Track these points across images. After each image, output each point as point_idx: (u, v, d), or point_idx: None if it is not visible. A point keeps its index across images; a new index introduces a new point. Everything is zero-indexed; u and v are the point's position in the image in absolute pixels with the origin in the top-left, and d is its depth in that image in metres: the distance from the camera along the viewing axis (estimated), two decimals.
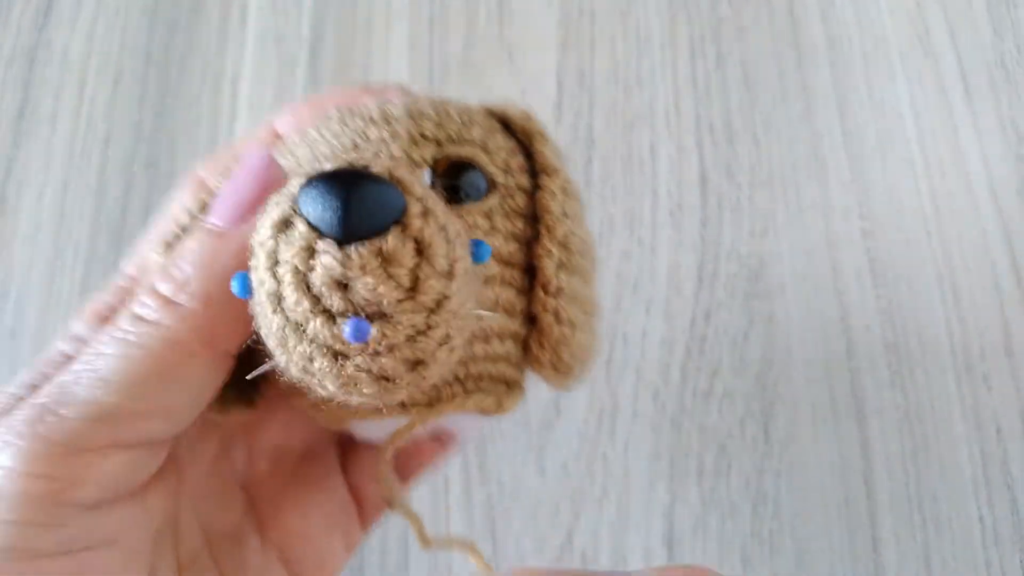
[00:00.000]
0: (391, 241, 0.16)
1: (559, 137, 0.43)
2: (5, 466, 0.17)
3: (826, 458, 0.36)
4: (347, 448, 0.27)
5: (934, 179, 0.40)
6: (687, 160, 0.42)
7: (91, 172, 0.44)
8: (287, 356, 0.17)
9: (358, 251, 0.16)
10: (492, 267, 0.21)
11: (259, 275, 0.17)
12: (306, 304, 0.17)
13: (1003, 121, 0.41)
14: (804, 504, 0.35)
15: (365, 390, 0.17)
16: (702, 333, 0.38)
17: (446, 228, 0.17)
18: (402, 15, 0.46)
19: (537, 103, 0.43)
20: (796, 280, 0.39)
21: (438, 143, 0.21)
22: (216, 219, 0.19)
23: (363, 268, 0.16)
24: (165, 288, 0.19)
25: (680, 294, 0.39)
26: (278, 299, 0.17)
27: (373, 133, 0.21)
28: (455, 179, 0.21)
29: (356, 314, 0.16)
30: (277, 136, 0.24)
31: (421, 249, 0.17)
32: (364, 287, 0.16)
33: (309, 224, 0.16)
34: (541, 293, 0.22)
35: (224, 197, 0.20)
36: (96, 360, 0.19)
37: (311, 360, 0.17)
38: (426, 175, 0.21)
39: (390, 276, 0.16)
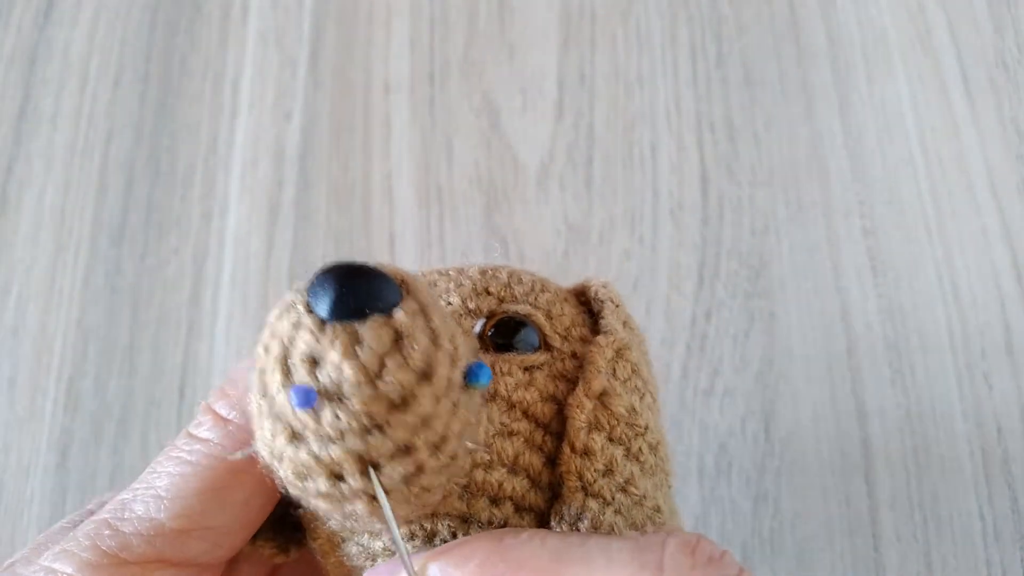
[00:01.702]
0: (368, 324, 0.16)
1: (559, 137, 0.43)
2: (65, 572, 0.19)
3: (826, 457, 0.36)
4: None
5: (935, 178, 0.40)
6: (688, 159, 0.42)
7: (92, 171, 0.44)
8: (260, 437, 0.17)
9: (332, 326, 0.16)
10: (521, 424, 0.19)
11: (258, 350, 0.17)
12: (278, 378, 0.16)
13: (1004, 120, 0.41)
14: (804, 503, 0.35)
15: (320, 486, 0.16)
16: (703, 332, 0.38)
17: (437, 332, 0.16)
18: (403, 14, 0.46)
19: (538, 102, 0.43)
20: (797, 279, 0.39)
21: (500, 300, 0.21)
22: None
23: (331, 343, 0.16)
24: (219, 406, 0.20)
25: (681, 293, 0.39)
26: (262, 374, 0.16)
27: (442, 284, 0.21)
28: (508, 339, 0.20)
29: (317, 391, 0.16)
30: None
31: (399, 340, 0.16)
32: (330, 363, 0.16)
33: (306, 305, 0.16)
34: (567, 450, 0.19)
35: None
36: (153, 477, 0.20)
37: (273, 437, 0.16)
38: (477, 324, 0.20)
39: (355, 355, 0.15)
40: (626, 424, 0.19)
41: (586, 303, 0.22)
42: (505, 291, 0.21)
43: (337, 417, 0.16)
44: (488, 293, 0.21)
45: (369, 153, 0.43)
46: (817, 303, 0.38)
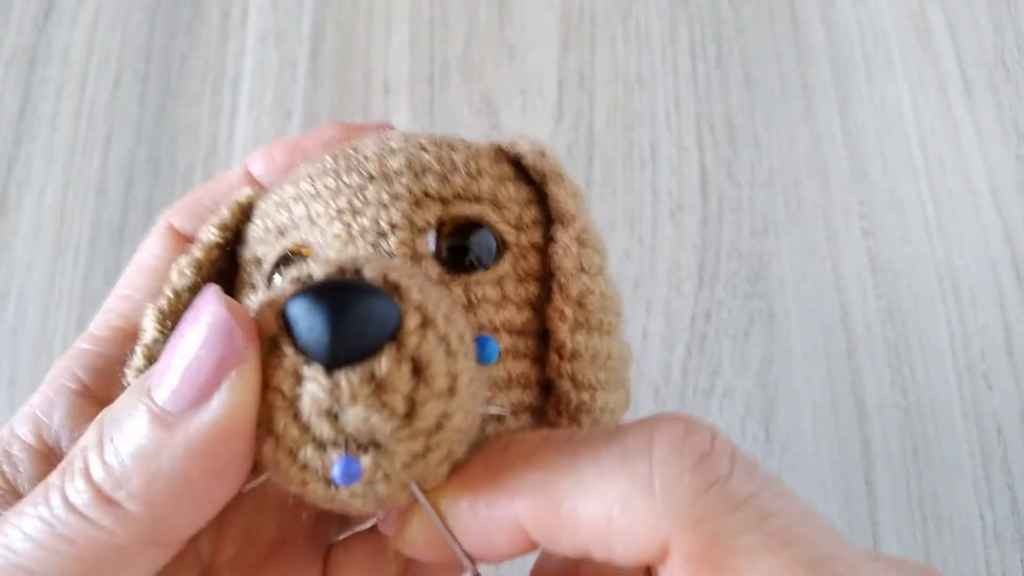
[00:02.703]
0: (384, 364, 0.15)
1: (560, 136, 0.43)
2: None
3: (827, 457, 0.36)
4: (333, 549, 0.24)
5: (934, 178, 0.40)
6: (687, 159, 0.42)
7: (92, 171, 0.44)
8: (282, 476, 0.16)
9: (348, 378, 0.15)
10: (504, 339, 0.19)
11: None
12: (294, 432, 0.15)
13: (1003, 120, 0.41)
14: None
15: (363, 509, 0.17)
16: (703, 332, 0.38)
17: (447, 338, 0.16)
18: (402, 15, 0.46)
19: (537, 103, 0.43)
20: (796, 279, 0.39)
21: (443, 201, 0.19)
22: (160, 398, 0.16)
23: (353, 397, 0.15)
24: (101, 478, 0.16)
25: (681, 293, 0.39)
26: (268, 422, 0.16)
27: (371, 193, 0.19)
28: (462, 240, 0.19)
29: (347, 446, 0.15)
30: (253, 180, 0.22)
31: (419, 369, 0.15)
32: (355, 417, 0.15)
33: (295, 346, 0.15)
34: (555, 358, 0.19)
35: (170, 366, 0.16)
36: (17, 542, 0.16)
37: (304, 484, 0.16)
38: (430, 241, 0.19)
39: (384, 404, 0.15)
40: (600, 310, 0.20)
41: (517, 163, 0.22)
42: (445, 188, 0.20)
43: (378, 465, 0.15)
44: (428, 197, 0.19)
45: None
46: (817, 303, 0.38)
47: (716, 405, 0.37)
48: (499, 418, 0.19)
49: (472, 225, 0.20)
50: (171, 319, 0.19)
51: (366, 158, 0.20)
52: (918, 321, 0.38)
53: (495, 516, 0.16)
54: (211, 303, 0.16)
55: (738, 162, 0.41)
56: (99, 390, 0.20)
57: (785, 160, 0.41)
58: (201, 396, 0.16)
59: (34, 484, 0.18)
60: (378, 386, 0.15)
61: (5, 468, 0.20)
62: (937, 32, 0.43)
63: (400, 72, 0.45)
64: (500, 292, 0.19)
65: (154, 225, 0.23)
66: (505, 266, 0.19)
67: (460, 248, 0.19)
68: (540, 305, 0.20)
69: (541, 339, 0.20)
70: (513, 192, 0.21)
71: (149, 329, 0.19)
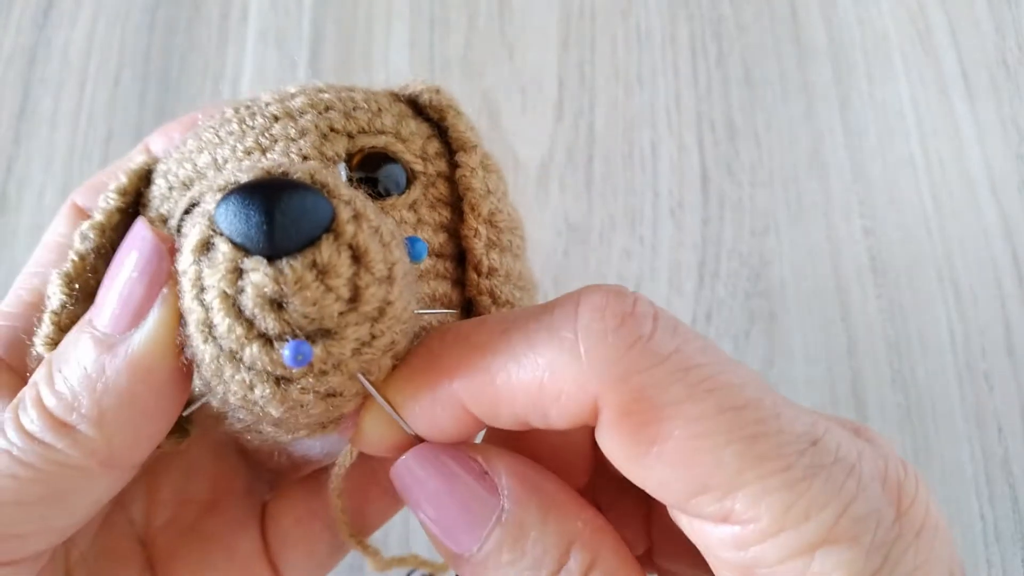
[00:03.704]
0: (325, 251, 0.15)
1: (560, 135, 0.43)
2: None
3: None
4: (268, 503, 0.24)
5: (935, 177, 0.40)
6: (688, 159, 0.42)
7: (91, 171, 0.44)
8: (224, 386, 0.16)
9: (290, 265, 0.15)
10: (425, 261, 0.20)
11: (186, 304, 0.16)
12: (239, 330, 0.15)
13: (1004, 119, 0.41)
14: None
15: (312, 410, 0.17)
16: (703, 332, 0.38)
17: (380, 230, 0.16)
18: (402, 14, 0.46)
19: (538, 102, 0.43)
20: (797, 279, 0.39)
21: (349, 135, 0.20)
22: (101, 324, 0.17)
23: (298, 283, 0.15)
24: (53, 404, 0.17)
25: (681, 293, 0.39)
26: (208, 327, 0.16)
27: (278, 130, 0.19)
28: (372, 172, 0.20)
29: (294, 335, 0.15)
30: (152, 156, 0.22)
31: (357, 256, 0.16)
32: (302, 303, 0.15)
33: (232, 243, 0.15)
34: (474, 275, 0.20)
35: (108, 295, 0.17)
36: None
37: (251, 388, 0.16)
38: (341, 171, 0.19)
39: (329, 289, 0.15)
40: (509, 232, 0.21)
41: (414, 104, 0.22)
42: (350, 123, 0.20)
43: (329, 353, 0.15)
44: (335, 131, 0.20)
45: None
46: (817, 303, 0.38)
47: None
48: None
49: (380, 158, 0.20)
50: (78, 282, 0.19)
51: (267, 103, 0.20)
52: (918, 320, 0.38)
53: (439, 399, 0.17)
54: (140, 231, 0.17)
55: (738, 161, 0.41)
56: (14, 360, 0.20)
57: (786, 159, 0.41)
58: (137, 316, 0.16)
59: None
60: (321, 272, 0.15)
61: None
62: (938, 32, 0.43)
63: (400, 71, 0.45)
64: (415, 215, 0.20)
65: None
66: (416, 193, 0.20)
67: (371, 180, 0.20)
68: (454, 229, 0.21)
69: (458, 263, 0.21)
70: (414, 126, 0.21)
71: (55, 294, 0.19)
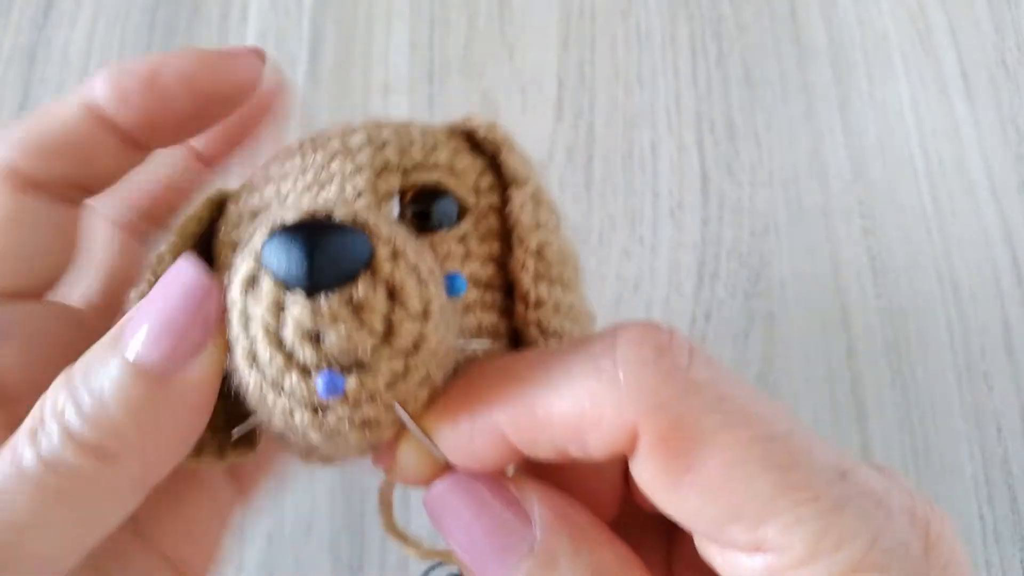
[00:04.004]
0: (361, 287, 0.16)
1: (560, 135, 0.43)
2: None
3: None
4: None
5: (935, 178, 0.40)
6: (688, 159, 0.42)
7: None
8: (268, 411, 0.17)
9: (327, 300, 0.16)
10: (472, 293, 0.20)
11: (233, 333, 0.17)
12: (279, 361, 0.16)
13: (1004, 120, 0.41)
14: None
15: (350, 438, 0.17)
16: (703, 332, 0.38)
17: (418, 268, 0.17)
18: (402, 14, 0.46)
19: (537, 102, 0.43)
20: (797, 279, 0.39)
21: (404, 171, 0.21)
22: (135, 350, 0.17)
23: (334, 317, 0.16)
24: (91, 434, 0.17)
25: (681, 293, 0.39)
26: (253, 356, 0.17)
27: (336, 166, 0.20)
28: (425, 206, 0.21)
29: (330, 366, 0.16)
30: (95, 108, 0.20)
31: (393, 293, 0.16)
32: (337, 337, 0.16)
33: (275, 278, 0.16)
34: (521, 308, 0.21)
35: (144, 322, 0.17)
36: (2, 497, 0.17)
37: (291, 414, 0.17)
38: (394, 206, 0.20)
39: (363, 323, 0.16)
40: (559, 264, 0.21)
41: (470, 139, 0.23)
42: (405, 159, 0.21)
43: (362, 384, 0.16)
44: (389, 167, 0.21)
45: None
46: (817, 303, 0.38)
47: None
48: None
49: (433, 193, 0.21)
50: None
51: (329, 138, 0.21)
52: (918, 321, 0.38)
53: (477, 428, 0.18)
54: (186, 267, 0.17)
55: (738, 161, 0.41)
56: None
57: (785, 159, 0.41)
58: (176, 349, 0.17)
59: None
60: (357, 307, 0.16)
61: None
62: (938, 32, 0.43)
63: (400, 71, 0.45)
64: (464, 248, 0.20)
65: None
66: (467, 226, 0.21)
67: (423, 213, 0.20)
68: (503, 261, 0.21)
69: (507, 294, 0.21)
70: (468, 161, 0.22)
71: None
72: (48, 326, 0.21)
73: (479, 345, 0.20)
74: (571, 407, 0.17)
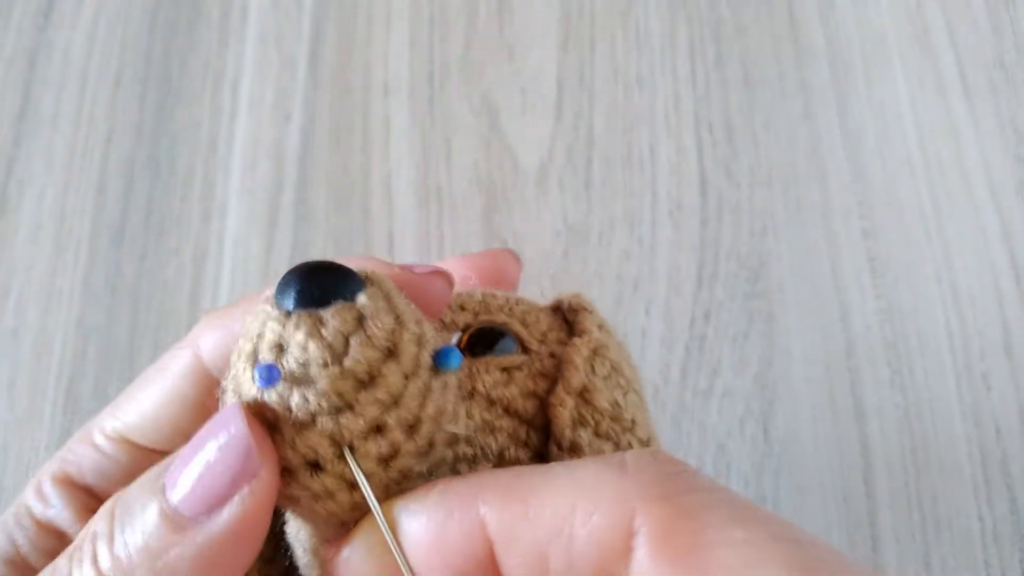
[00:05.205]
0: (332, 308, 0.16)
1: (559, 136, 0.43)
2: None
3: (825, 457, 0.36)
4: None
5: (933, 179, 0.40)
6: (686, 160, 0.42)
7: (92, 171, 0.44)
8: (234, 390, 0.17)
9: (297, 313, 0.16)
10: (503, 421, 0.19)
11: (231, 359, 0.17)
12: (241, 366, 0.17)
13: (1002, 121, 0.41)
14: (803, 503, 0.35)
15: (300, 479, 0.17)
16: (701, 332, 0.38)
17: (401, 314, 0.17)
18: (402, 15, 0.46)
19: (537, 103, 0.44)
20: (795, 280, 0.39)
21: (475, 314, 0.21)
22: (176, 501, 0.17)
23: (296, 327, 0.16)
24: (108, 568, 0.17)
25: (680, 294, 0.39)
26: (235, 376, 0.17)
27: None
28: (488, 349, 0.20)
29: (281, 372, 0.16)
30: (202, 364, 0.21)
31: (361, 320, 0.16)
32: (295, 346, 0.16)
33: (272, 302, 0.17)
34: (554, 449, 0.19)
35: (187, 470, 0.17)
36: None
37: (239, 394, 0.17)
38: (454, 337, 0.20)
39: (321, 337, 0.16)
40: (611, 419, 0.19)
41: (563, 317, 0.22)
42: (480, 306, 0.21)
43: (306, 399, 0.16)
44: (463, 309, 0.21)
45: (369, 154, 0.43)
46: (816, 304, 0.39)
47: (715, 405, 0.37)
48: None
49: (498, 334, 0.20)
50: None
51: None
52: (917, 321, 0.38)
53: (457, 510, 0.16)
54: (234, 418, 0.16)
55: (737, 163, 0.41)
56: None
57: (784, 160, 0.41)
58: (213, 505, 0.16)
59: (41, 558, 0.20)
60: (321, 324, 0.16)
61: (19, 539, 0.21)
62: (936, 33, 0.43)
63: (400, 72, 0.45)
64: (506, 376, 0.19)
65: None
66: (517, 359, 0.20)
67: (482, 347, 0.20)
68: (546, 401, 0.20)
69: (546, 435, 0.20)
70: (544, 318, 0.21)
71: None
72: None
73: (460, 429, 0.18)
74: (567, 493, 0.15)
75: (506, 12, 0.46)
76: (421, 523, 0.16)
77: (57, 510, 0.21)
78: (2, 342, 0.41)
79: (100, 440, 0.21)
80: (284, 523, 0.20)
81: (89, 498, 0.21)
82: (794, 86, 0.43)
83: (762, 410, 0.37)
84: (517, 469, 0.17)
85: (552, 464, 0.17)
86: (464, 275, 0.23)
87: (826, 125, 0.42)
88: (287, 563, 0.20)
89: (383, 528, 0.16)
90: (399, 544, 0.16)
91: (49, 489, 0.21)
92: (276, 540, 0.20)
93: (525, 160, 0.42)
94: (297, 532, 0.19)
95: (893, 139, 0.41)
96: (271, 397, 0.16)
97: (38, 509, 0.21)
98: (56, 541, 0.20)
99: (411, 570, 0.16)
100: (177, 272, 0.42)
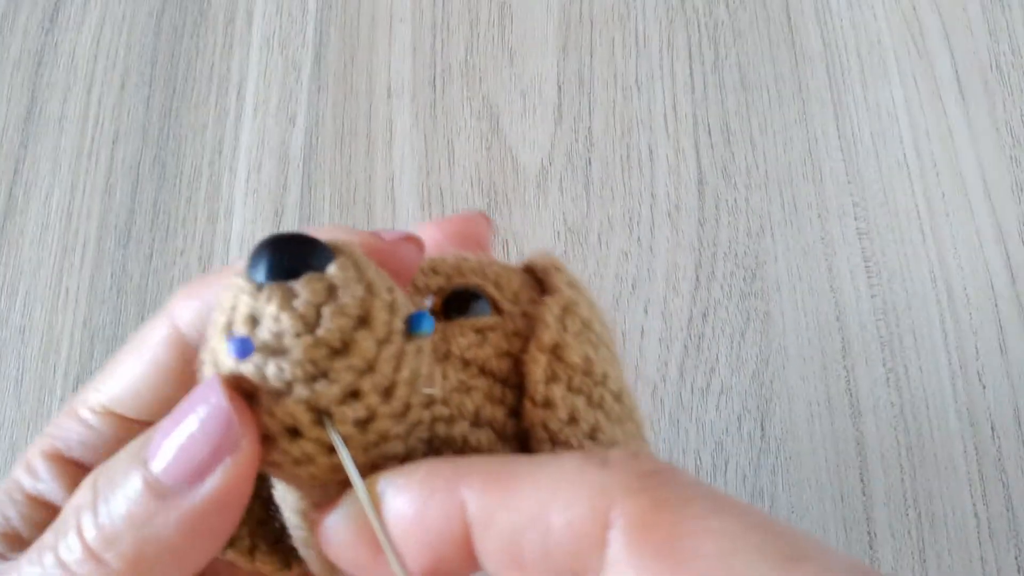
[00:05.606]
0: (302, 279, 0.16)
1: (559, 139, 0.43)
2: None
3: (822, 455, 0.36)
4: None
5: (928, 180, 0.41)
6: (685, 162, 0.42)
7: (98, 174, 0.45)
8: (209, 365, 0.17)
9: (268, 286, 0.16)
10: (479, 380, 0.19)
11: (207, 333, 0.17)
12: (217, 339, 0.17)
13: (997, 123, 0.41)
14: (800, 500, 0.36)
15: (282, 446, 0.17)
16: (699, 331, 0.39)
17: (372, 283, 0.17)
18: (405, 20, 0.47)
19: (537, 106, 0.44)
20: (792, 279, 0.39)
21: (448, 277, 0.20)
22: (158, 471, 0.17)
23: (268, 299, 0.16)
24: (92, 537, 0.17)
25: (678, 293, 0.40)
26: (212, 350, 0.17)
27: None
28: (462, 313, 0.20)
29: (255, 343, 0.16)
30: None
31: (333, 290, 0.16)
32: (268, 318, 0.16)
33: (244, 275, 0.17)
34: (528, 405, 0.19)
35: (167, 440, 0.17)
36: None
37: (215, 366, 0.17)
38: (427, 301, 0.20)
39: (292, 308, 0.16)
40: (583, 373, 0.20)
41: (535, 276, 0.22)
42: (452, 269, 0.21)
43: (280, 369, 0.16)
44: (436, 273, 0.21)
45: (372, 156, 0.44)
46: (812, 303, 0.39)
47: (713, 403, 0.38)
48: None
49: (471, 296, 0.20)
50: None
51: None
52: (912, 320, 0.38)
53: (438, 488, 0.16)
54: (213, 391, 0.17)
55: (734, 164, 0.42)
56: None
57: (781, 162, 0.42)
58: (196, 476, 0.17)
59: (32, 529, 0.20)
60: (293, 293, 0.16)
61: (10, 514, 0.21)
62: (931, 36, 0.43)
63: (402, 76, 0.45)
64: (480, 337, 0.19)
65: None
66: (491, 320, 0.20)
67: (456, 310, 0.20)
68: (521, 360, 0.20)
69: (522, 394, 0.20)
70: (516, 280, 0.21)
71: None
72: None
73: (436, 393, 0.18)
74: (547, 484, 0.15)
75: (507, 17, 0.46)
76: (404, 498, 0.17)
77: (47, 484, 0.21)
78: (10, 341, 0.41)
79: (85, 413, 0.21)
80: (272, 487, 0.20)
81: (78, 471, 0.21)
82: (791, 89, 0.43)
83: (759, 408, 0.37)
84: (504, 457, 0.17)
85: (537, 455, 0.17)
86: (436, 240, 0.23)
87: (822, 127, 0.42)
88: (278, 524, 0.21)
89: (360, 490, 0.17)
90: (380, 515, 0.17)
91: (38, 464, 0.21)
92: (267, 503, 0.20)
93: (525, 162, 0.43)
94: (284, 495, 0.19)
95: (889, 141, 0.41)
96: (247, 368, 0.16)
97: (28, 483, 0.21)
98: (48, 514, 0.20)
99: (389, 539, 0.17)
100: (183, 272, 0.42)
